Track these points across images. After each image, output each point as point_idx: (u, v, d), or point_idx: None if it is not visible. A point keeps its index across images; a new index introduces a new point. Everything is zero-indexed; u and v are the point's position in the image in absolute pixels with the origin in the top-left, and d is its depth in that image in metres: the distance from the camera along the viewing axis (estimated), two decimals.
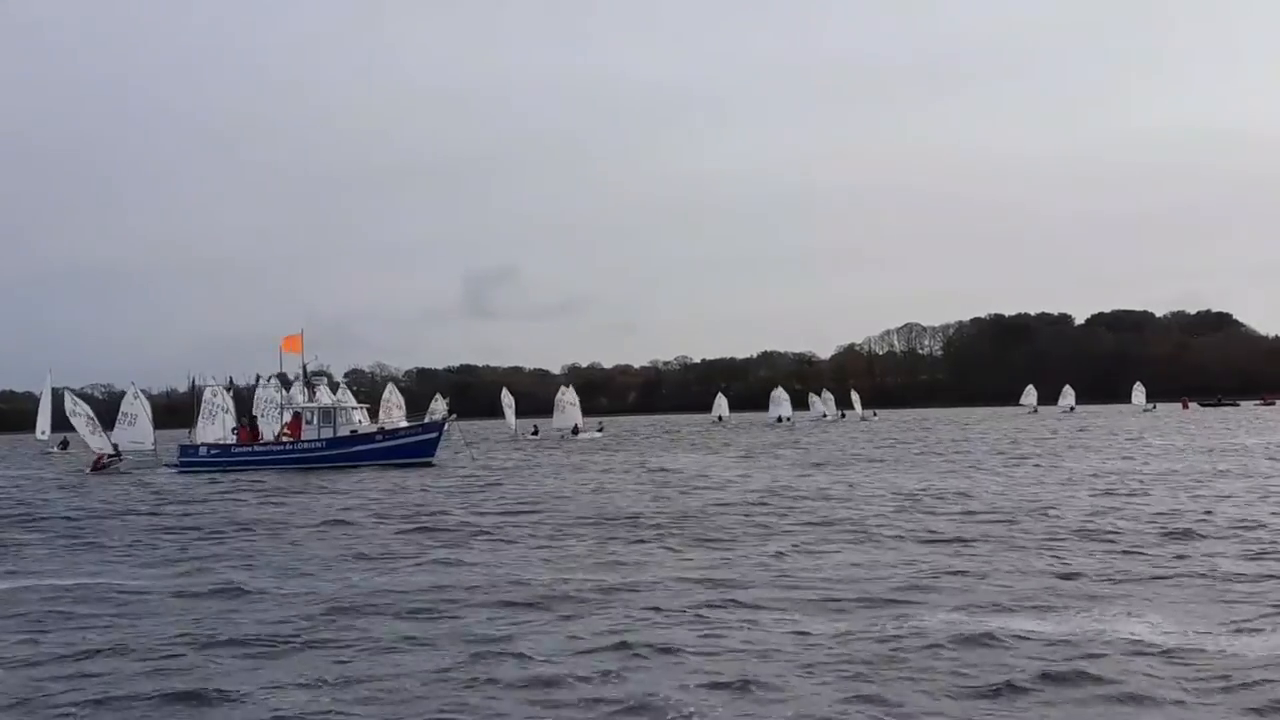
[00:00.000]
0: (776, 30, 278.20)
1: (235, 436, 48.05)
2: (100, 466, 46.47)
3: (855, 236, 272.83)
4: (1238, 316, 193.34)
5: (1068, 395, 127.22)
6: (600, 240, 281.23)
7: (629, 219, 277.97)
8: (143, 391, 54.20)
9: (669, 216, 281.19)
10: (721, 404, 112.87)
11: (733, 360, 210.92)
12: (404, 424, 49.60)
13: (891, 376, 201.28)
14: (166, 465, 49.16)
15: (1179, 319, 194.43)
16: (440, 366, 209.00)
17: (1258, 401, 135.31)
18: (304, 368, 48.41)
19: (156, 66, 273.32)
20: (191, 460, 46.63)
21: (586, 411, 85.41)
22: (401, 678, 9.50)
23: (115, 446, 48.76)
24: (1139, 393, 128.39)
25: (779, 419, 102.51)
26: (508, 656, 10.17)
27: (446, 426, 48.52)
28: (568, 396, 79.18)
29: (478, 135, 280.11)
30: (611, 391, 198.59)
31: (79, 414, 49.96)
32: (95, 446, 48.64)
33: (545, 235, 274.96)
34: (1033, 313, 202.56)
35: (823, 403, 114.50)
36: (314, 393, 49.06)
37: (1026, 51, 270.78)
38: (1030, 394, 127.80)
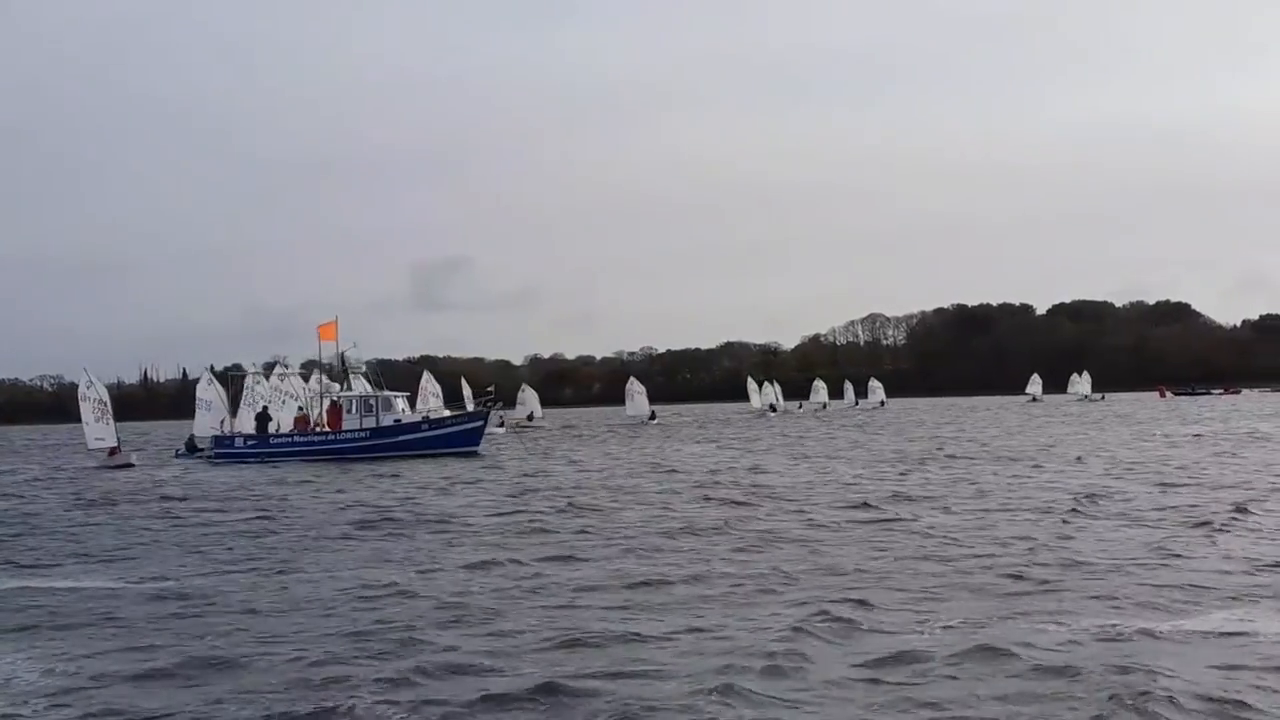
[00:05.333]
0: (735, 23, 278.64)
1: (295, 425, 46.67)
2: (115, 454, 44.57)
3: (816, 227, 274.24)
4: (1196, 307, 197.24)
5: (1084, 383, 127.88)
6: (553, 231, 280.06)
7: (582, 209, 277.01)
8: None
9: (623, 206, 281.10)
10: (768, 393, 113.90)
11: (697, 351, 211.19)
12: (447, 413, 48.53)
13: (855, 367, 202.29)
14: (178, 455, 48.00)
15: (1138, 309, 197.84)
16: (393, 356, 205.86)
17: (1220, 391, 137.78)
18: (341, 356, 47.21)
19: (109, 53, 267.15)
20: (227, 451, 45.23)
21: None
22: None
23: (190, 438, 46.92)
24: (1084, 382, 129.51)
25: (824, 405, 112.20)
26: None
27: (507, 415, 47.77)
28: (635, 386, 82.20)
29: (428, 125, 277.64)
30: (576, 383, 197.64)
31: (89, 398, 45.25)
32: (93, 436, 44.75)
33: (497, 225, 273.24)
34: (994, 303, 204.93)
35: (877, 390, 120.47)
36: (349, 382, 47.92)
37: (984, 46, 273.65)
38: (1035, 383, 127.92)
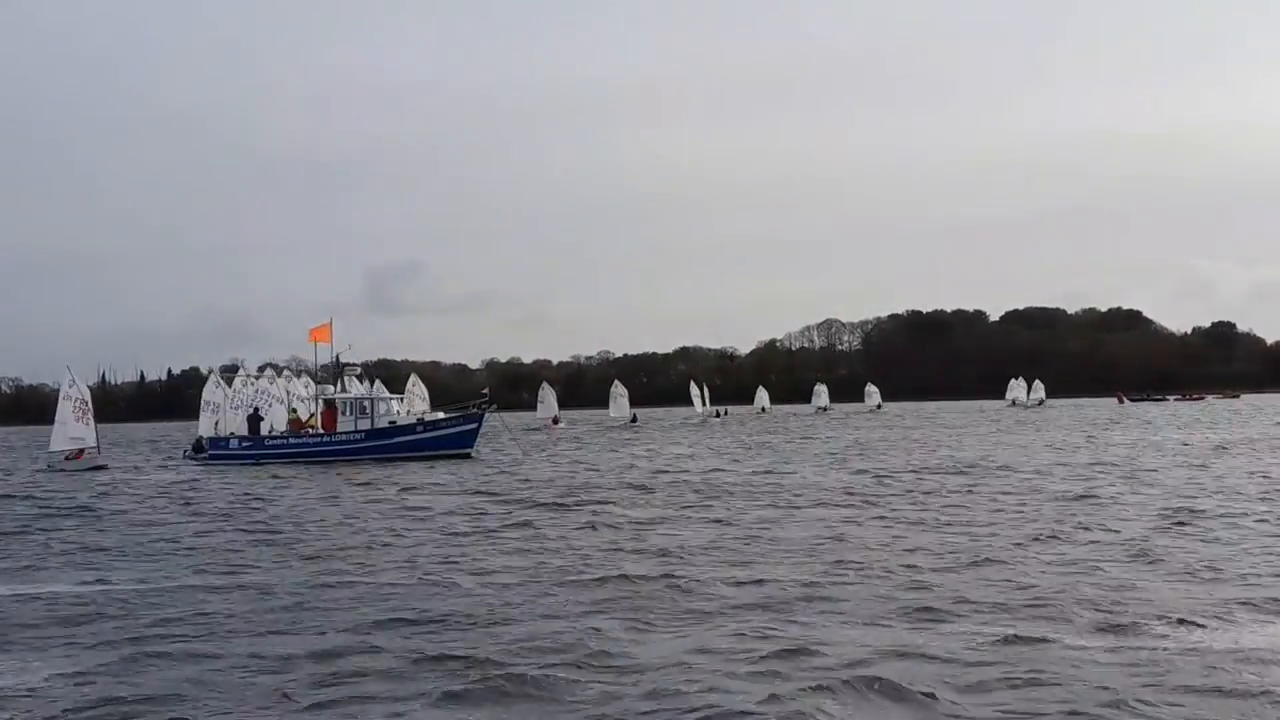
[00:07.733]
0: (696, 29, 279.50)
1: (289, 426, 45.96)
2: (79, 457, 42.76)
3: (771, 233, 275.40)
4: (1148, 314, 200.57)
5: (1019, 389, 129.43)
6: (507, 235, 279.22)
7: (537, 213, 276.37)
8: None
9: (578, 211, 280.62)
10: (762, 396, 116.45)
11: (653, 355, 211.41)
12: (442, 415, 47.87)
13: (810, 372, 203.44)
14: (186, 457, 46.99)
15: (1090, 316, 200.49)
16: (348, 361, 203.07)
17: (1177, 397, 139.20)
18: (336, 358, 46.54)
19: (61, 53, 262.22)
20: (222, 452, 44.48)
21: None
22: None
23: (198, 439, 45.93)
24: (1019, 388, 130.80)
25: (821, 409, 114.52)
26: None
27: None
28: (619, 389, 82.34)
29: (383, 129, 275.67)
30: (534, 386, 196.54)
31: (72, 397, 43.05)
32: (69, 435, 42.70)
33: (451, 229, 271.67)
34: (949, 309, 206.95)
35: (873, 395, 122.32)
36: (344, 383, 47.33)
37: (948, 55, 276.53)
38: (1016, 387, 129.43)
